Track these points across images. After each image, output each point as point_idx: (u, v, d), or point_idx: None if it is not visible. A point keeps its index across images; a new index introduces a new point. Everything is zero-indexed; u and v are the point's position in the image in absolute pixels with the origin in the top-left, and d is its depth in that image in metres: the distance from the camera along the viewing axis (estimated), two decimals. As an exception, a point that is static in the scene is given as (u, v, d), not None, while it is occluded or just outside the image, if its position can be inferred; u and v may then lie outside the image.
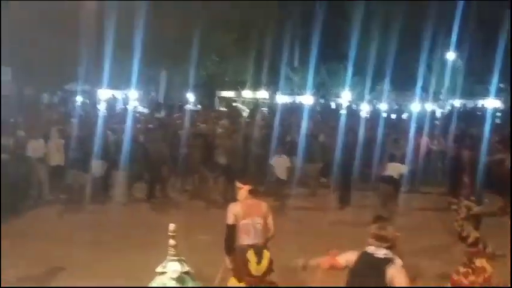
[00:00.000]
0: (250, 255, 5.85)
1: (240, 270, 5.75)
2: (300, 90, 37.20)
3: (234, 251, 6.42)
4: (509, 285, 6.39)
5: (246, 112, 29.87)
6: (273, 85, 36.87)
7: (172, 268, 3.13)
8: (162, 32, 31.07)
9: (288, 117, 22.52)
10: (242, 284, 6.23)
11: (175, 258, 3.17)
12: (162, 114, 24.36)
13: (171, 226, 3.30)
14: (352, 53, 31.20)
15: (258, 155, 15.09)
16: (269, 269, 6.39)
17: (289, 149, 15.48)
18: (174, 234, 3.27)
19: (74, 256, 9.41)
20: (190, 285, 3.12)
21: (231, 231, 6.55)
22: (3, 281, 7.44)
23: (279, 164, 14.12)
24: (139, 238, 10.32)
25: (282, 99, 35.47)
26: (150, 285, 3.14)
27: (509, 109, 18.79)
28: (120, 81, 31.02)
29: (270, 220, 6.80)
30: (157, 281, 3.13)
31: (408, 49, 32.38)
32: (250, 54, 35.16)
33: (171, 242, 3.23)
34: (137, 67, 27.62)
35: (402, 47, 31.97)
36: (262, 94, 37.77)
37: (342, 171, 14.49)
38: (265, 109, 31.96)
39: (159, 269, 3.20)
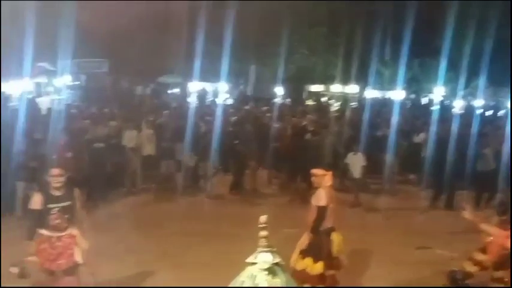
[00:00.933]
0: (335, 236, 6.93)
1: (321, 250, 6.82)
2: (391, 85, 36.37)
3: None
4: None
5: (334, 107, 29.59)
6: (362, 79, 36.23)
7: (263, 259, 3.12)
8: (252, 25, 31.29)
9: (378, 113, 22.09)
10: (319, 265, 6.60)
11: (266, 249, 3.16)
12: (250, 107, 24.52)
13: (262, 218, 3.29)
14: (446, 47, 30.08)
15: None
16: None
17: (377, 145, 15.16)
18: (265, 225, 3.26)
19: (162, 245, 9.66)
20: (280, 277, 3.11)
21: (323, 212, 6.95)
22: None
23: (353, 161, 13.84)
24: (227, 229, 10.45)
25: (371, 94, 34.83)
26: (240, 276, 3.16)
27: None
28: (210, 74, 31.53)
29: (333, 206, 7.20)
30: (248, 271, 3.14)
31: (506, 43, 30.83)
32: (340, 48, 34.68)
33: (262, 233, 3.22)
34: (227, 61, 27.94)
35: (499, 40, 30.51)
36: (352, 89, 37.20)
37: (435, 169, 14.02)
38: (354, 104, 31.54)
39: (250, 260, 3.21)
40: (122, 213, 11.96)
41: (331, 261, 6.87)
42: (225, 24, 28.05)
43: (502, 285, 6.89)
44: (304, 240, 6.99)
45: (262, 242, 3.19)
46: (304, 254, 6.95)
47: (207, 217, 11.90)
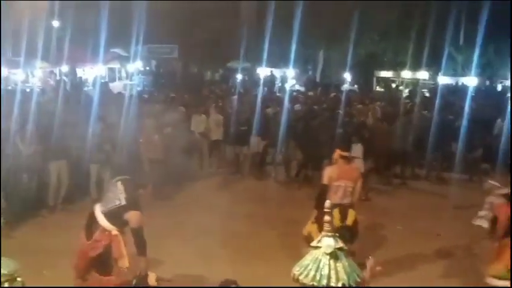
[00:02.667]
0: (335, 212, 7.10)
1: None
2: (464, 70, 35.28)
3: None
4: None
5: (405, 93, 29.03)
6: (434, 65, 35.30)
7: (326, 243, 3.16)
8: (321, 10, 31.05)
9: (451, 100, 21.48)
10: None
11: (330, 234, 3.20)
12: (318, 92, 24.41)
13: (327, 203, 3.33)
14: (524, 31, 28.87)
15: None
16: (354, 227, 7.23)
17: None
18: (329, 210, 3.29)
19: (229, 228, 9.80)
20: (343, 262, 3.14)
21: (324, 189, 7.53)
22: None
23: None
24: (292, 214, 10.50)
25: (443, 80, 33.91)
26: (304, 259, 3.21)
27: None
28: (279, 59, 31.57)
29: (359, 185, 7.75)
30: (312, 255, 3.19)
31: None
32: (412, 33, 33.87)
33: (326, 218, 3.26)
34: (295, 46, 27.88)
35: None
36: (423, 75, 36.32)
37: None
38: (425, 90, 30.85)
39: (313, 244, 3.26)
40: (189, 196, 12.19)
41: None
42: (294, 9, 27.97)
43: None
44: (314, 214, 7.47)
45: (326, 226, 3.22)
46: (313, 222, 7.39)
47: (273, 202, 11.99)
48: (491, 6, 29.04)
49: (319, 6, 30.72)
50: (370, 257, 4.50)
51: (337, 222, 7.10)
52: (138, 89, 24.88)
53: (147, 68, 32.21)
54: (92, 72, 28.34)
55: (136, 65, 29.64)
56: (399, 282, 7.37)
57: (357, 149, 11.95)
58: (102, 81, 24.71)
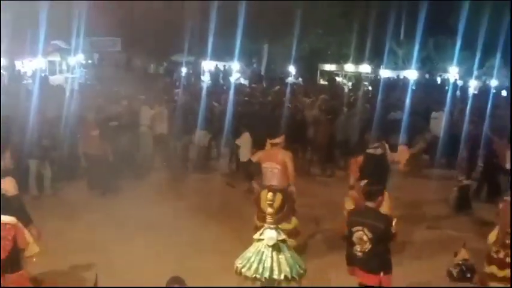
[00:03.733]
0: (263, 193, 7.62)
1: (256, 203, 7.91)
2: (405, 64, 36.14)
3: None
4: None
5: (348, 87, 29.47)
6: (376, 59, 36.01)
7: (268, 235, 3.16)
8: (266, 4, 31.11)
9: (392, 93, 21.95)
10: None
11: (272, 226, 3.19)
12: (263, 86, 24.48)
13: (269, 195, 3.32)
14: (461, 26, 29.73)
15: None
16: (280, 210, 7.43)
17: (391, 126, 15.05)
18: (271, 202, 3.29)
19: (175, 223, 9.76)
20: (285, 254, 3.14)
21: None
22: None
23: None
24: (237, 208, 10.51)
25: (385, 73, 34.62)
26: (247, 252, 3.20)
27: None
28: (223, 53, 31.47)
29: (289, 168, 8.07)
30: (255, 247, 3.18)
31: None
32: (354, 27, 34.41)
33: (269, 210, 3.25)
34: (240, 39, 27.85)
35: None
36: (365, 68, 37.00)
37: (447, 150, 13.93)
38: (367, 83, 31.41)
39: (256, 236, 3.25)
40: (133, 191, 12.04)
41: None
42: (238, 2, 27.92)
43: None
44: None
45: (269, 218, 3.22)
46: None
47: (219, 195, 11.96)
48: (431, 1, 29.79)
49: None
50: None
51: (264, 203, 7.33)
52: (80, 81, 24.37)
53: (89, 61, 31.56)
54: (31, 65, 27.55)
55: (78, 58, 28.97)
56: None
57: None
58: (42, 74, 24.04)
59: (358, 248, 6.03)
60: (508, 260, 7.00)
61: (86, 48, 29.55)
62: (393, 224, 5.99)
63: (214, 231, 9.44)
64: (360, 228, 5.97)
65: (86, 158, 11.91)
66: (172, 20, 31.24)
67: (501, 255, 7.11)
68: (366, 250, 5.97)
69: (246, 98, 17.86)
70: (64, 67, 29.04)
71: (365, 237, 5.94)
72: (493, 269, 7.11)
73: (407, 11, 34.78)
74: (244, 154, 12.54)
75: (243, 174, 12.58)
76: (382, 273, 5.97)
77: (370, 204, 6.18)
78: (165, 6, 31.16)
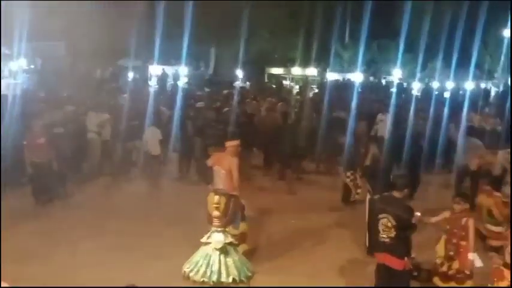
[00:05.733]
0: (210, 196, 7.74)
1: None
2: (350, 67, 36.73)
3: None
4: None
5: (295, 90, 29.71)
6: (323, 62, 36.47)
7: (216, 239, 3.16)
8: (212, 7, 31.08)
9: (338, 95, 22.23)
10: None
11: (219, 229, 3.19)
12: (210, 90, 24.40)
13: (216, 198, 3.32)
14: (404, 29, 30.45)
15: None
16: (224, 213, 7.10)
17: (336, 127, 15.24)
18: (218, 205, 3.29)
19: (123, 228, 9.64)
20: (233, 256, 3.14)
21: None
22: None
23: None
24: (188, 212, 10.42)
25: (331, 76, 35.08)
26: (195, 256, 3.18)
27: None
28: (170, 57, 31.24)
29: (234, 173, 8.03)
30: (202, 251, 3.17)
31: (463, 25, 31.36)
32: (301, 31, 34.78)
33: (215, 213, 3.25)
34: (187, 43, 27.72)
35: (456, 22, 30.99)
36: (311, 71, 37.41)
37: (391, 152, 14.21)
38: (314, 86, 31.75)
39: (203, 240, 3.24)
40: (83, 197, 11.84)
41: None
42: (184, 5, 27.80)
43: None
44: None
45: (216, 222, 3.21)
46: None
47: (168, 200, 11.85)
48: (374, 5, 30.39)
49: (210, 3, 30.72)
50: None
51: (210, 206, 7.15)
52: (24, 87, 23.72)
53: (32, 66, 30.76)
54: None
55: (20, 63, 28.20)
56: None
57: None
58: (-17, 80, 23.28)
59: (384, 234, 6.61)
60: (451, 272, 7.26)
61: (28, 53, 28.78)
62: (414, 215, 6.60)
63: (164, 236, 9.35)
64: (384, 215, 6.58)
65: (32, 166, 11.57)
66: (117, 24, 30.76)
67: (444, 268, 7.34)
68: (392, 236, 6.53)
69: (194, 102, 17.76)
70: (6, 73, 28.18)
71: (389, 224, 6.52)
72: (437, 281, 7.37)
73: (352, 14, 35.43)
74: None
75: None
76: (406, 258, 6.57)
77: (396, 194, 6.72)
78: (110, 9, 30.66)
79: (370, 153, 11.81)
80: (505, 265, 6.56)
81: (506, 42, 35.94)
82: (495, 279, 6.60)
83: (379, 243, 6.80)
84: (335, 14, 33.87)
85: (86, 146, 13.86)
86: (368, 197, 9.01)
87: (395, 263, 6.62)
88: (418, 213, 6.72)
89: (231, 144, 8.29)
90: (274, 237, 9.63)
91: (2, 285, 4.58)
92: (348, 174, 11.84)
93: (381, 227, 6.66)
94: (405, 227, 6.56)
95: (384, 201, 6.95)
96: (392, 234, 6.56)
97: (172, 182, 13.62)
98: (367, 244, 8.64)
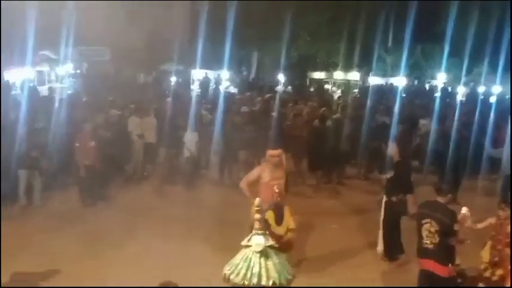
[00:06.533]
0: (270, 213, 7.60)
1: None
2: (393, 71, 36.32)
3: None
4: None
5: (337, 94, 29.55)
6: (365, 66, 36.19)
7: (256, 241, 3.16)
8: (255, 12, 31.19)
9: (381, 100, 21.97)
10: None
11: (260, 232, 3.20)
12: (252, 94, 24.44)
13: (257, 201, 3.33)
14: (449, 33, 29.96)
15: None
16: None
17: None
18: (259, 208, 3.30)
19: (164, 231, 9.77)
20: (273, 259, 3.15)
21: None
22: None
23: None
24: (226, 216, 10.46)
25: (374, 80, 34.76)
26: (234, 259, 3.20)
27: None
28: (213, 61, 31.48)
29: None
30: (242, 253, 3.18)
31: (509, 28, 30.61)
32: (343, 35, 34.57)
33: (257, 216, 3.26)
34: (230, 48, 27.86)
35: (503, 25, 30.27)
36: (354, 76, 37.15)
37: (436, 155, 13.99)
38: (356, 90, 31.50)
39: (243, 242, 3.26)
40: (123, 199, 12.04)
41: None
42: (227, 10, 27.96)
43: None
44: None
45: (256, 224, 3.22)
46: None
47: (208, 204, 11.91)
48: (418, 8, 29.98)
49: (252, 7, 30.81)
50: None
51: (272, 222, 7.38)
52: (69, 92, 24.24)
53: (78, 71, 31.41)
54: (19, 76, 27.39)
55: (66, 68, 28.84)
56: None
57: None
58: (31, 84, 23.90)
59: (428, 240, 6.56)
60: (495, 279, 7.12)
61: (74, 58, 29.43)
62: (456, 222, 6.49)
63: (204, 239, 9.41)
64: (428, 220, 6.54)
65: (85, 168, 11.79)
66: (161, 29, 31.16)
67: (488, 273, 7.20)
68: (436, 242, 6.50)
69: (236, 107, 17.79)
70: (53, 77, 28.85)
71: (432, 229, 6.48)
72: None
73: (395, 18, 35.00)
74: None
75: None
76: (450, 265, 6.53)
77: (440, 199, 6.68)
78: (154, 15, 31.09)
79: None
80: None
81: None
82: None
83: (422, 249, 6.71)
84: (378, 18, 33.53)
85: (129, 149, 14.12)
86: (384, 199, 8.95)
87: (440, 270, 6.53)
88: (465, 210, 6.63)
89: (274, 153, 8.11)
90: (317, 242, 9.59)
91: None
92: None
93: (424, 233, 6.58)
94: (448, 233, 6.45)
95: (427, 206, 6.86)
96: (436, 240, 6.48)
97: (212, 186, 13.68)
98: (380, 246, 8.79)
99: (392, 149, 9.31)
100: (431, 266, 6.60)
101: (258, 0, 31.09)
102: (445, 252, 6.53)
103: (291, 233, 7.72)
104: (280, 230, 7.56)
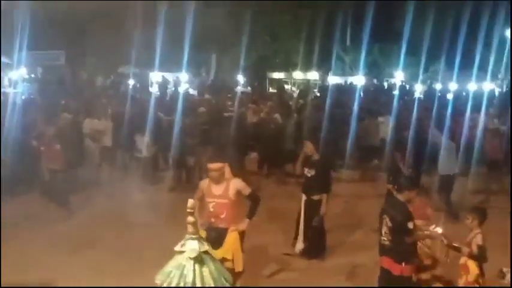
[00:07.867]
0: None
1: None
2: (352, 70, 36.59)
3: None
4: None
5: (296, 93, 29.54)
6: (324, 66, 36.34)
7: (190, 247, 2.96)
8: (214, 13, 31.00)
9: (341, 99, 22.01)
10: None
11: (194, 236, 2.99)
12: (211, 96, 24.26)
13: (190, 202, 3.12)
14: (406, 32, 30.28)
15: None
16: None
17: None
18: (192, 210, 3.08)
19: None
20: (209, 266, 2.95)
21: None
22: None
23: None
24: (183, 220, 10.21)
25: (333, 80, 34.93)
26: (167, 266, 2.99)
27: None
28: (171, 64, 31.14)
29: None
30: (175, 261, 2.97)
31: (465, 26, 31.14)
32: (302, 35, 34.64)
33: (190, 219, 3.05)
34: (188, 49, 27.60)
35: (459, 23, 30.78)
36: (313, 75, 37.28)
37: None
38: (315, 90, 31.59)
39: (177, 248, 3.04)
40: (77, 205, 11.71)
41: None
42: (185, 12, 27.70)
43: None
44: None
45: (190, 228, 3.01)
46: None
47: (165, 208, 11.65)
48: (375, 8, 30.25)
49: (211, 8, 30.62)
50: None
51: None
52: (23, 97, 23.63)
53: (33, 76, 30.72)
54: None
55: (20, 72, 28.15)
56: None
57: None
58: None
59: (385, 237, 6.47)
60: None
61: (28, 62, 28.75)
62: (412, 220, 6.30)
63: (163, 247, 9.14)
64: (385, 217, 6.44)
65: (49, 172, 11.40)
66: (117, 31, 30.69)
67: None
68: (390, 239, 6.38)
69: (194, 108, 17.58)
70: (6, 82, 28.13)
71: (388, 226, 6.38)
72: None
73: (353, 17, 35.30)
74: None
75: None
76: (403, 263, 6.34)
77: (399, 196, 6.53)
78: (109, 17, 30.61)
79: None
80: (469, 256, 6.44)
81: (508, 42, 35.71)
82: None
83: (380, 246, 6.62)
84: (336, 17, 33.73)
85: (84, 153, 13.77)
86: (304, 198, 8.93)
87: (394, 268, 6.43)
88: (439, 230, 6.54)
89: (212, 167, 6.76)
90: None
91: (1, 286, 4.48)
92: None
93: (383, 229, 6.48)
94: (401, 231, 6.32)
95: (387, 202, 6.86)
96: (390, 237, 6.38)
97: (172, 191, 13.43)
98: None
99: (306, 146, 9.10)
100: (387, 263, 6.51)
101: (217, 1, 30.96)
102: (400, 250, 6.38)
103: (228, 263, 6.46)
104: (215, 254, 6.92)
